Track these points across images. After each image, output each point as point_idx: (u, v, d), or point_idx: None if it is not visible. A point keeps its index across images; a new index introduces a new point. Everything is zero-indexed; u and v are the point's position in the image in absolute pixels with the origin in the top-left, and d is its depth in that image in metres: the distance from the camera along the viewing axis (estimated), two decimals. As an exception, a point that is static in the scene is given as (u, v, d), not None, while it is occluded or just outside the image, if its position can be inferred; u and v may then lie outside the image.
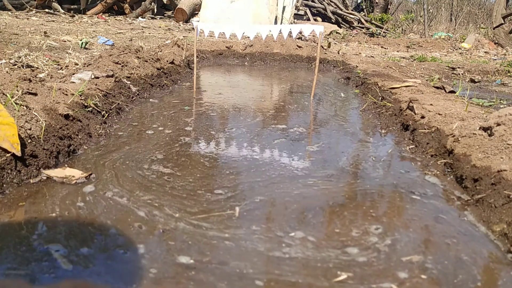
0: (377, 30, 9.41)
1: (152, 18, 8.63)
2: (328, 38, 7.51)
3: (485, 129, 1.49)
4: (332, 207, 1.20)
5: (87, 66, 2.62)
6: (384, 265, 0.92)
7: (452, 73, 4.27)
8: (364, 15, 10.58)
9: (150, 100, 2.45)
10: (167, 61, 3.32)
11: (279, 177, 1.40)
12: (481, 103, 2.70)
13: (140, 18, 8.28)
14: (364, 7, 11.50)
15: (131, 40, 5.01)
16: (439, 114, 1.88)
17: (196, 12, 8.42)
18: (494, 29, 8.13)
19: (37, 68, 2.74)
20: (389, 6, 11.72)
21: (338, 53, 5.13)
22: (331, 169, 1.51)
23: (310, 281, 0.86)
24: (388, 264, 0.93)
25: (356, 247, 0.99)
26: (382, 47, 7.15)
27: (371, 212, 1.18)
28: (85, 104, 1.84)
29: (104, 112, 1.91)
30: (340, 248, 0.98)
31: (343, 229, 1.07)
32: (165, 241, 0.97)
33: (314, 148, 1.76)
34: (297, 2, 9.66)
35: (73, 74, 2.29)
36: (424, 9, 10.17)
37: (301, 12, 10.09)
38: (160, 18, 8.84)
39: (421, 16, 12.07)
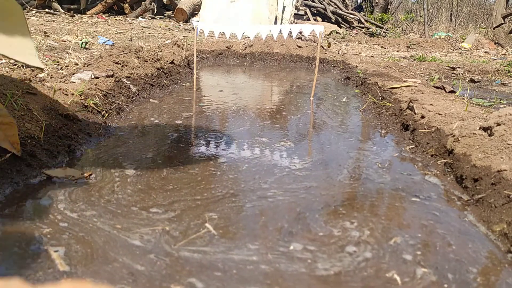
0: (377, 30, 9.40)
1: (152, 18, 8.63)
2: (328, 38, 7.50)
3: (485, 129, 1.49)
4: (329, 207, 1.20)
5: (87, 66, 2.62)
6: (384, 263, 0.92)
7: (452, 73, 4.26)
8: (364, 15, 10.58)
9: (150, 100, 2.45)
10: (167, 61, 3.32)
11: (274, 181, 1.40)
12: (481, 103, 2.70)
13: (140, 18, 8.28)
14: (364, 7, 11.49)
15: (131, 40, 5.01)
16: (439, 114, 1.88)
17: (196, 12, 8.42)
18: (494, 29, 8.13)
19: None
20: (389, 6, 11.71)
21: (338, 53, 5.13)
22: (331, 167, 1.51)
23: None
24: (388, 263, 0.93)
25: (354, 246, 0.99)
26: (382, 47, 7.15)
27: (371, 212, 1.18)
28: (85, 104, 1.84)
29: (104, 112, 1.91)
30: (341, 248, 0.98)
31: (341, 229, 1.07)
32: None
33: (314, 145, 1.76)
34: (297, 2, 9.66)
35: (73, 74, 2.29)
36: (424, 9, 10.17)
37: (301, 12, 10.09)
38: (160, 18, 8.84)
39: (421, 16, 12.07)
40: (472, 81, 4.00)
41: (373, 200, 1.27)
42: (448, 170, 1.50)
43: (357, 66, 3.99)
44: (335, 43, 6.73)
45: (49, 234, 0.97)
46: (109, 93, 2.14)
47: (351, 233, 1.05)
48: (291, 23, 8.03)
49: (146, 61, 2.95)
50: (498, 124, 1.44)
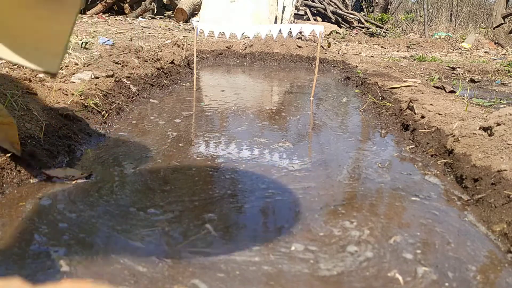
0: (377, 30, 9.40)
1: (152, 18, 8.63)
2: (328, 38, 7.50)
3: (485, 129, 1.49)
4: (327, 208, 1.20)
5: (87, 66, 2.62)
6: (385, 263, 0.92)
7: (452, 73, 4.26)
8: (364, 15, 10.58)
9: (150, 100, 2.45)
10: (167, 61, 3.32)
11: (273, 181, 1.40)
12: (481, 103, 2.70)
13: (140, 18, 8.28)
14: (364, 7, 11.49)
15: (131, 40, 5.01)
16: (439, 114, 1.88)
17: (196, 12, 8.42)
18: (494, 29, 8.13)
19: (37, 68, 2.73)
20: (389, 6, 11.71)
21: (338, 53, 5.13)
22: (331, 167, 1.51)
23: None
24: (389, 262, 0.93)
25: (355, 245, 0.99)
26: (382, 47, 7.15)
27: (371, 211, 1.18)
28: (85, 104, 1.84)
29: (104, 112, 1.91)
30: (340, 244, 0.98)
31: (341, 229, 1.07)
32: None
33: (314, 145, 1.76)
34: (297, 2, 9.66)
35: (73, 74, 2.28)
36: (424, 9, 10.17)
37: (301, 12, 10.09)
38: (160, 18, 8.84)
39: (421, 16, 12.07)
40: (472, 81, 4.00)
41: (373, 199, 1.27)
42: (448, 170, 1.50)
43: (357, 66, 3.99)
44: (335, 43, 6.73)
45: (49, 234, 0.97)
46: (109, 93, 2.14)
47: (351, 233, 1.05)
48: (291, 23, 8.03)
49: (146, 61, 2.96)
50: (498, 124, 1.44)
